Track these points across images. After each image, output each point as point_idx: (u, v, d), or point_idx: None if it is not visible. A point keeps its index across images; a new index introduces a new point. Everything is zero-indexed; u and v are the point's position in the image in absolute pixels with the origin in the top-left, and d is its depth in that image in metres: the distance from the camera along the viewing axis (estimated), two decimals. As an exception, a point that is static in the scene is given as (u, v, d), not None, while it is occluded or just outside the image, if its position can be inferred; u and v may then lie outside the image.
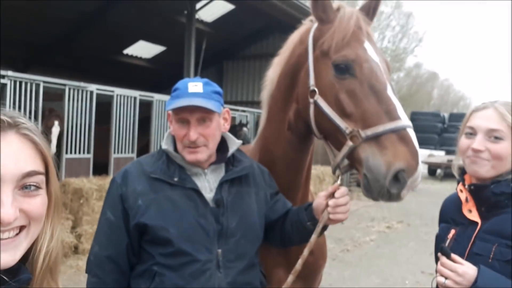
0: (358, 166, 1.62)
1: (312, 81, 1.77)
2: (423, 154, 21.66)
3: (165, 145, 1.71)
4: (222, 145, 1.78)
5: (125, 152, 8.03)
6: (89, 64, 15.81)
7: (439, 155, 22.32)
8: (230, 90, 17.45)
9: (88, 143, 7.36)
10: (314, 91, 1.75)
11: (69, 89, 6.92)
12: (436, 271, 1.54)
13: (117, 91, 7.81)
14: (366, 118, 1.60)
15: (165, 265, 1.58)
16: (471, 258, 1.54)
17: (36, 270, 0.89)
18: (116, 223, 1.63)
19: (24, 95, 6.22)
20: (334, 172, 1.72)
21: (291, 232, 1.80)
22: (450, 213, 1.76)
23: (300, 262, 1.71)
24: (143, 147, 8.42)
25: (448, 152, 23.08)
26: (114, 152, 7.81)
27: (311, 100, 1.76)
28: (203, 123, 1.64)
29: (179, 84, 1.71)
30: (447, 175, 20.56)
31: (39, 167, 0.86)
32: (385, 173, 1.52)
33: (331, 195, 1.66)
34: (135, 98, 8.16)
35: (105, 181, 6.80)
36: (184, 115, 1.63)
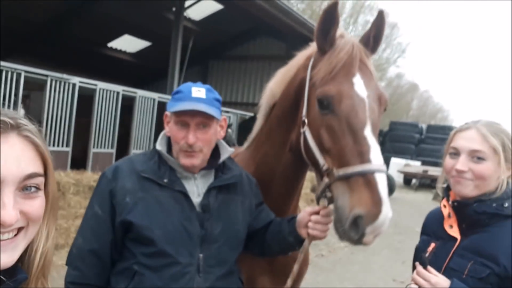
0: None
1: (304, 111, 1.76)
2: (399, 163, 22.05)
3: (159, 146, 1.73)
4: (214, 151, 1.80)
5: (104, 147, 7.94)
6: (71, 55, 15.53)
7: (415, 165, 22.75)
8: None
9: (68, 136, 7.25)
10: (304, 122, 1.75)
11: (51, 80, 6.81)
12: (412, 279, 1.61)
13: (100, 85, 7.72)
14: (340, 157, 1.59)
15: (146, 265, 1.60)
16: (447, 273, 1.60)
17: (32, 270, 0.90)
18: (102, 217, 1.64)
19: (4, 84, 6.09)
20: (317, 202, 1.71)
21: (271, 242, 1.84)
22: (432, 226, 1.81)
23: (291, 278, 1.76)
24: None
25: (424, 163, 23.55)
26: (94, 147, 7.72)
27: (302, 130, 1.76)
28: (202, 128, 1.67)
29: (182, 87, 1.73)
30: (422, 185, 20.99)
31: (40, 169, 0.88)
32: (346, 217, 1.52)
33: (316, 213, 1.70)
34: (118, 93, 8.08)
35: (83, 176, 6.71)
36: (185, 118, 1.65)
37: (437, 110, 61.23)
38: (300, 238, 1.76)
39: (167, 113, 1.73)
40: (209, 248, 1.66)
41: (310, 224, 1.68)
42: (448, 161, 1.71)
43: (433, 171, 20.34)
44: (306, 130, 1.74)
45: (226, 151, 1.81)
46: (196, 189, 1.72)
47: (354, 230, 1.51)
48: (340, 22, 1.77)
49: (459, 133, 1.71)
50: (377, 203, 1.48)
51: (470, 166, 1.63)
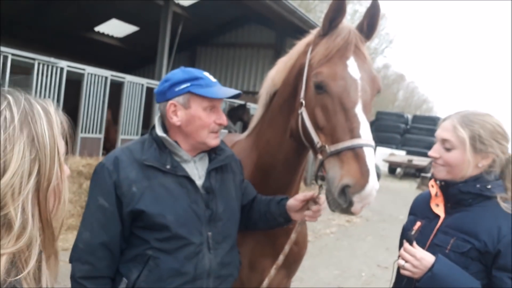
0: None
1: (302, 93, 1.85)
2: (385, 152, 22.33)
3: (162, 133, 1.75)
4: None
5: (93, 132, 7.89)
6: (57, 38, 15.21)
7: (400, 155, 23.07)
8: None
9: (55, 120, 7.16)
10: (302, 103, 1.83)
11: (39, 64, 6.70)
12: (399, 255, 1.72)
13: (88, 69, 7.63)
14: (333, 133, 1.70)
15: (160, 249, 1.64)
16: (431, 248, 1.72)
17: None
18: (110, 210, 1.64)
19: (-9, 66, 5.99)
20: (316, 181, 1.82)
21: (257, 220, 1.95)
22: (419, 207, 1.94)
23: (281, 257, 1.87)
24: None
25: (409, 152, 23.89)
26: (82, 132, 7.66)
27: (299, 112, 1.85)
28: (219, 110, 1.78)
29: (197, 73, 1.78)
30: (407, 174, 21.33)
31: None
32: (336, 186, 1.62)
33: (308, 200, 1.83)
34: (106, 78, 8.00)
35: (72, 161, 6.68)
36: (216, 102, 1.75)
37: (422, 101, 61.88)
38: (289, 218, 1.89)
39: (175, 102, 1.71)
40: (215, 226, 1.75)
41: (308, 212, 1.82)
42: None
43: (417, 160, 20.67)
44: (303, 111, 1.83)
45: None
46: (197, 172, 1.78)
47: (343, 199, 1.62)
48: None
49: (441, 122, 1.85)
50: (364, 174, 1.58)
51: (441, 153, 1.77)
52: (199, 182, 1.77)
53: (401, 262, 1.68)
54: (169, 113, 1.73)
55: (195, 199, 1.72)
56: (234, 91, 1.78)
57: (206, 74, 1.80)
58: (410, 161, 20.50)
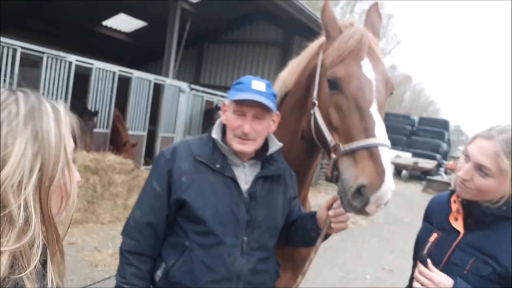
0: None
1: (315, 93, 1.86)
2: (390, 154, 22.26)
3: (215, 133, 1.82)
4: (263, 143, 1.87)
5: (100, 127, 7.88)
6: (64, 31, 15.24)
7: (406, 157, 22.98)
8: (209, 73, 17.26)
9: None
10: (314, 103, 1.85)
11: (47, 58, 6.69)
12: (414, 278, 1.61)
13: (97, 64, 7.61)
14: (347, 133, 1.68)
15: (196, 242, 1.71)
16: (448, 266, 1.62)
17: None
18: (160, 194, 1.77)
19: (-1, 59, 5.98)
20: (334, 181, 1.79)
21: (294, 234, 1.94)
22: (435, 215, 1.82)
23: (308, 264, 1.84)
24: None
25: (415, 155, 23.79)
26: (88, 126, 7.64)
27: (312, 112, 1.86)
28: (257, 120, 1.76)
29: (243, 79, 1.82)
30: (412, 177, 21.24)
31: None
32: (350, 186, 1.59)
33: (331, 206, 1.78)
34: (114, 73, 7.98)
35: (78, 155, 6.66)
36: (244, 108, 1.74)
37: (429, 103, 61.57)
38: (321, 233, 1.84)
39: (226, 102, 1.83)
40: (252, 232, 1.77)
41: (332, 219, 1.76)
42: (461, 161, 1.70)
43: (423, 163, 20.59)
44: (316, 111, 1.84)
45: (275, 145, 1.90)
46: (244, 176, 1.82)
47: (358, 199, 1.59)
48: (337, 10, 1.85)
49: (479, 139, 1.64)
50: (380, 173, 1.56)
51: (474, 176, 1.60)
52: (245, 186, 1.80)
53: (417, 285, 1.57)
54: (222, 111, 1.86)
55: (237, 201, 1.76)
56: (258, 99, 1.71)
57: (255, 80, 1.79)
58: (416, 163, 20.42)
